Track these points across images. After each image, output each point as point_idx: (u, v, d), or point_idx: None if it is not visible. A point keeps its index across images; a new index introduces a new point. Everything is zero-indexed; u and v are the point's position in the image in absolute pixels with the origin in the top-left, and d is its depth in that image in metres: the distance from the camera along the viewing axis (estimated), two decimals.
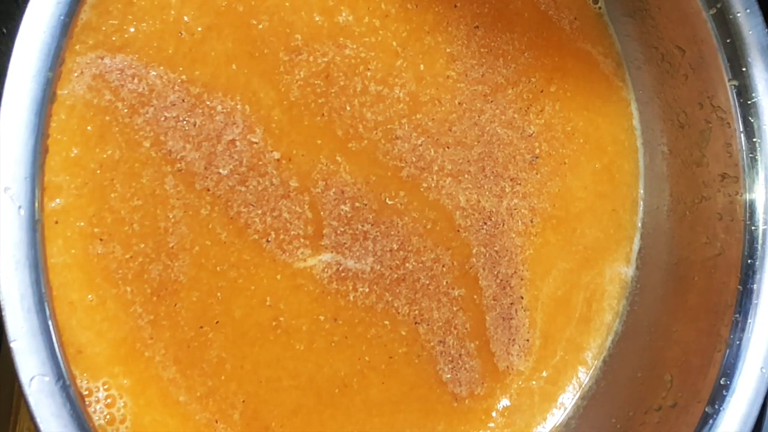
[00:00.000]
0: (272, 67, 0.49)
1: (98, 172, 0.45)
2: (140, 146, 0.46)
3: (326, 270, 0.50)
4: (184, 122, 0.47)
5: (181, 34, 0.47)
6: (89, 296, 0.45)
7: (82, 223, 0.45)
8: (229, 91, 0.48)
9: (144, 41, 0.46)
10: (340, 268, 0.50)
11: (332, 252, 0.50)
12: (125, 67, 0.46)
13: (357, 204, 0.50)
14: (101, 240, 0.45)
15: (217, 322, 0.47)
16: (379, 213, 0.51)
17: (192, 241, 0.47)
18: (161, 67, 0.47)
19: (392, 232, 0.51)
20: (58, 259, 0.44)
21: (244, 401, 0.48)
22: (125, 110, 0.46)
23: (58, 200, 0.44)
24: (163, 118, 0.47)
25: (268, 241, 0.48)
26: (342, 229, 0.50)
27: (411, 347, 0.51)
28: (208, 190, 0.47)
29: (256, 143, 0.48)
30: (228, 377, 0.48)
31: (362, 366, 0.50)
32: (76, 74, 0.45)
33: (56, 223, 0.44)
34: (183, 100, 0.47)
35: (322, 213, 0.49)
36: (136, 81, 0.46)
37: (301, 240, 0.49)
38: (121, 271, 0.46)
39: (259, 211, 0.48)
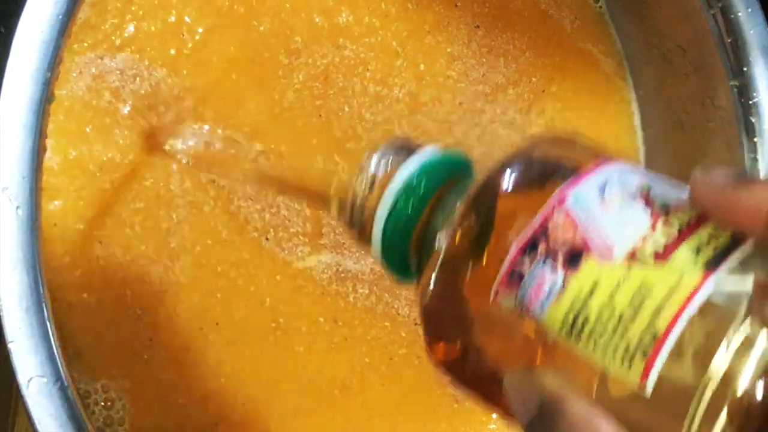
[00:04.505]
0: (272, 71, 0.49)
1: (98, 174, 0.45)
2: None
3: (326, 271, 0.49)
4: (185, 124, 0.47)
5: (183, 35, 0.47)
6: (89, 298, 0.45)
7: (81, 226, 0.45)
8: (226, 95, 0.47)
9: (144, 41, 0.46)
10: (340, 269, 0.50)
11: (332, 252, 0.49)
12: (125, 68, 0.46)
13: None
14: (101, 243, 0.45)
15: (217, 324, 0.47)
16: None
17: (193, 241, 0.47)
18: (164, 69, 0.46)
19: None
20: (57, 261, 0.44)
21: (244, 404, 0.48)
22: (125, 112, 0.46)
23: (56, 202, 0.44)
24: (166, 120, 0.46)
25: (267, 239, 0.48)
26: (341, 229, 0.50)
27: (411, 348, 0.51)
28: (213, 181, 0.47)
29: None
30: (228, 379, 0.47)
31: (362, 368, 0.50)
32: (74, 74, 0.44)
33: (54, 225, 0.44)
34: (182, 103, 0.47)
35: (321, 211, 0.49)
36: (138, 81, 0.46)
37: (300, 238, 0.49)
38: (121, 273, 0.45)
39: (258, 206, 0.48)
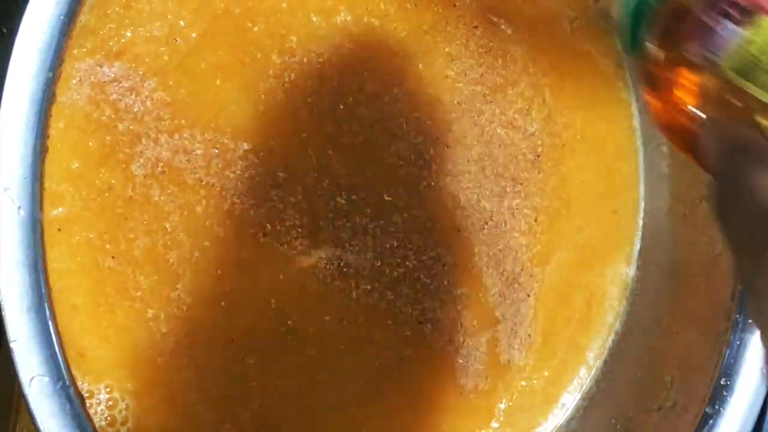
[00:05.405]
0: (262, 72, 0.48)
1: (107, 194, 0.45)
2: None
3: (328, 266, 0.49)
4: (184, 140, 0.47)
5: (176, 40, 0.47)
6: (96, 303, 0.45)
7: (91, 235, 0.45)
8: (209, 101, 0.48)
9: (141, 47, 0.46)
10: (341, 263, 0.50)
11: (332, 246, 0.49)
12: (122, 78, 0.46)
13: (354, 197, 0.50)
14: (113, 257, 0.45)
15: (224, 324, 0.47)
16: (377, 208, 0.50)
17: (192, 245, 0.47)
18: (154, 79, 0.46)
19: (392, 229, 0.51)
20: (61, 264, 0.44)
21: (261, 405, 0.48)
22: (126, 129, 0.46)
23: (60, 209, 0.44)
24: (162, 141, 0.46)
25: (264, 234, 0.48)
26: (340, 222, 0.50)
27: (416, 347, 0.51)
28: (201, 181, 0.47)
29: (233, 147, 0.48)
30: (244, 381, 0.48)
31: (370, 367, 0.50)
32: (74, 81, 0.44)
33: (59, 230, 0.44)
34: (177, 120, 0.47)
35: (317, 204, 0.49)
36: (133, 96, 0.46)
37: (298, 230, 0.49)
38: (131, 285, 0.46)
39: (252, 202, 0.48)
